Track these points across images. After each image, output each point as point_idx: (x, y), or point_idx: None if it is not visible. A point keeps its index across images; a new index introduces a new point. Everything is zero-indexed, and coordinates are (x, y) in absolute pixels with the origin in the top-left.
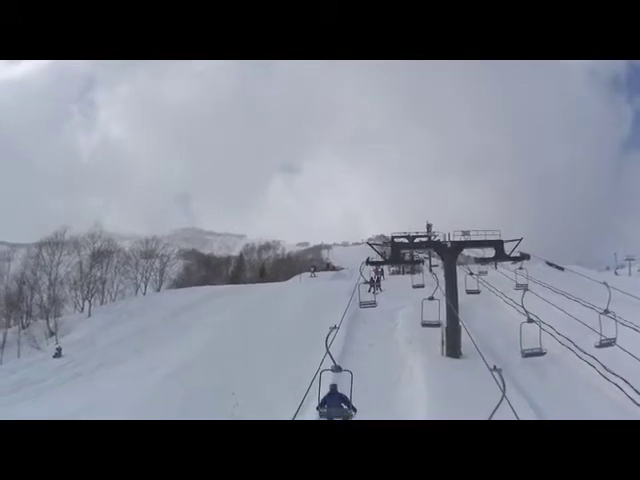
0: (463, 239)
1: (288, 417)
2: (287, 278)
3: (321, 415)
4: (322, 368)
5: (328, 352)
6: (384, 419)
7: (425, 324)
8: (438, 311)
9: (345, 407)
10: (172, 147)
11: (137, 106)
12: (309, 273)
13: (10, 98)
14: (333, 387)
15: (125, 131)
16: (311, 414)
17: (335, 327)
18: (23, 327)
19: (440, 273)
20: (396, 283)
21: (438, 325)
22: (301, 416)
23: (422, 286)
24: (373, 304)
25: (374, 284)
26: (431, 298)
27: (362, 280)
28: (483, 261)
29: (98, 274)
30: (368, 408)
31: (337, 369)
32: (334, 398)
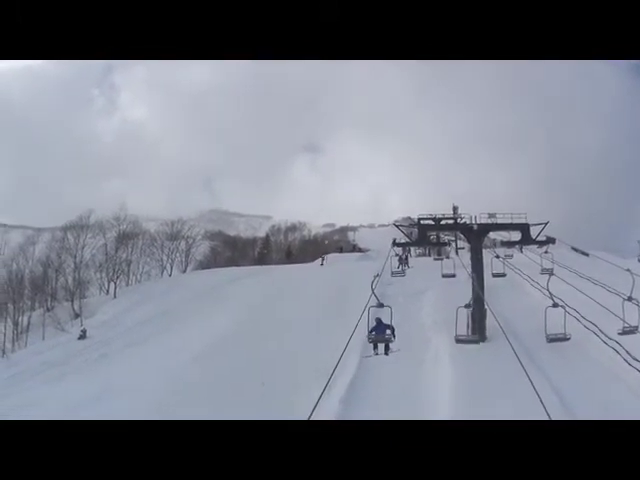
0: (489, 222)
1: (313, 394)
2: (313, 259)
3: (370, 340)
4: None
5: (373, 292)
6: (383, 419)
7: (460, 340)
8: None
9: (389, 334)
10: (194, 128)
11: (157, 88)
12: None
13: (31, 83)
14: (378, 319)
15: (146, 113)
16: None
17: (378, 275)
18: (48, 310)
19: (466, 256)
20: (421, 265)
21: (477, 342)
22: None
23: (453, 276)
24: (402, 274)
25: (402, 261)
26: (468, 306)
27: (392, 254)
28: (509, 244)
29: (123, 256)
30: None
31: (380, 305)
32: (380, 328)
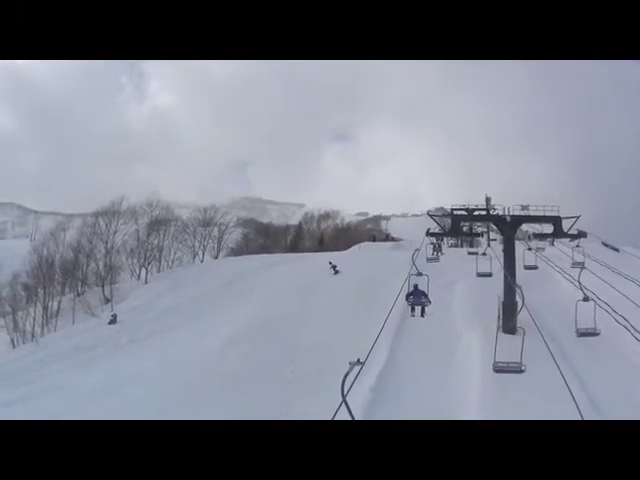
0: (522, 214)
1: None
2: (346, 248)
3: (408, 302)
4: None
5: (413, 263)
6: (384, 419)
7: (500, 369)
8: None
9: (424, 299)
10: (227, 116)
11: (187, 75)
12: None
13: (62, 73)
14: (416, 285)
15: (177, 101)
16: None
17: (417, 249)
18: (78, 294)
19: (499, 248)
20: (453, 256)
21: (519, 371)
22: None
23: (489, 275)
24: (437, 260)
25: (436, 248)
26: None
27: (427, 242)
28: (541, 237)
29: (155, 242)
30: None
31: (419, 274)
32: (417, 293)
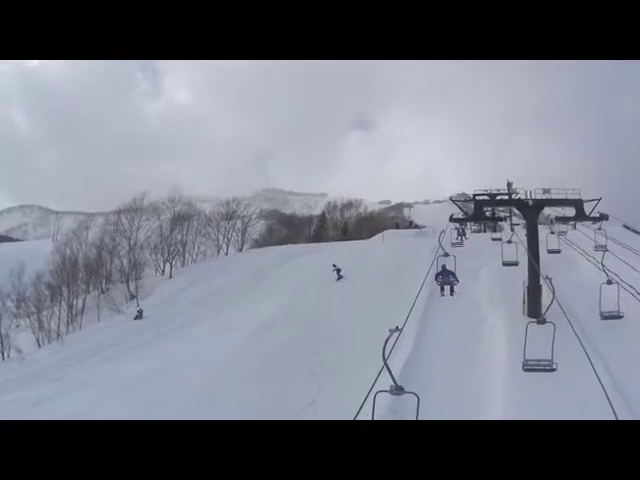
0: (544, 197)
1: (369, 372)
2: (370, 236)
3: (437, 282)
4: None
5: (440, 245)
6: (385, 419)
7: (530, 367)
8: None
9: (452, 278)
10: (246, 108)
11: (203, 68)
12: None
13: (77, 72)
14: (443, 266)
15: (194, 94)
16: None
17: (443, 231)
18: (102, 292)
19: (522, 233)
20: (477, 242)
21: (551, 369)
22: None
23: (515, 264)
24: (461, 244)
25: (460, 233)
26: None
27: (451, 227)
28: (563, 220)
29: (179, 237)
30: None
31: (446, 254)
32: (445, 273)
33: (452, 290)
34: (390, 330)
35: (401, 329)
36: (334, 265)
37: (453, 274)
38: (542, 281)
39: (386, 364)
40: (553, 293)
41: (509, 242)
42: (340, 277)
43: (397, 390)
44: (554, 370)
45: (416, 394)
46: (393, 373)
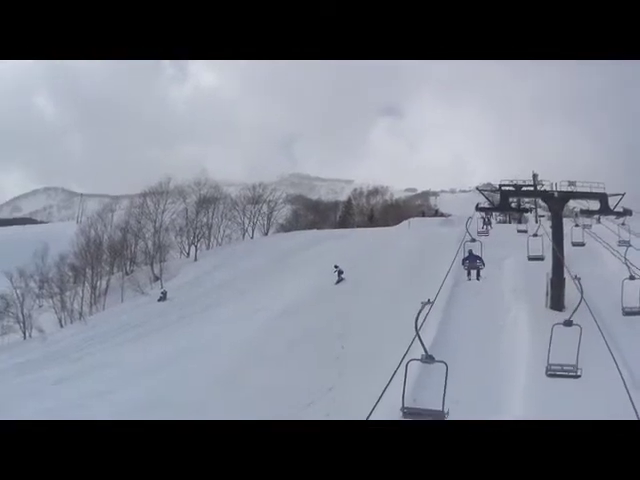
0: (569, 190)
1: (392, 359)
2: (396, 223)
3: (464, 267)
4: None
5: (467, 231)
6: (385, 419)
7: (554, 373)
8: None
9: (479, 262)
10: (273, 92)
11: None
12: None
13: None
14: (470, 251)
15: (219, 79)
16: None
17: (470, 217)
18: (127, 273)
19: (547, 225)
20: (502, 232)
21: (575, 376)
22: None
23: (541, 258)
24: (486, 233)
25: (486, 222)
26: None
27: (477, 216)
28: (588, 213)
29: (204, 220)
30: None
31: (472, 240)
32: (472, 257)
33: (478, 274)
34: (422, 303)
35: (432, 302)
36: (336, 266)
37: (480, 259)
38: (566, 274)
39: (418, 334)
40: (581, 293)
41: (535, 235)
42: (341, 280)
43: (427, 359)
44: (578, 377)
45: (445, 362)
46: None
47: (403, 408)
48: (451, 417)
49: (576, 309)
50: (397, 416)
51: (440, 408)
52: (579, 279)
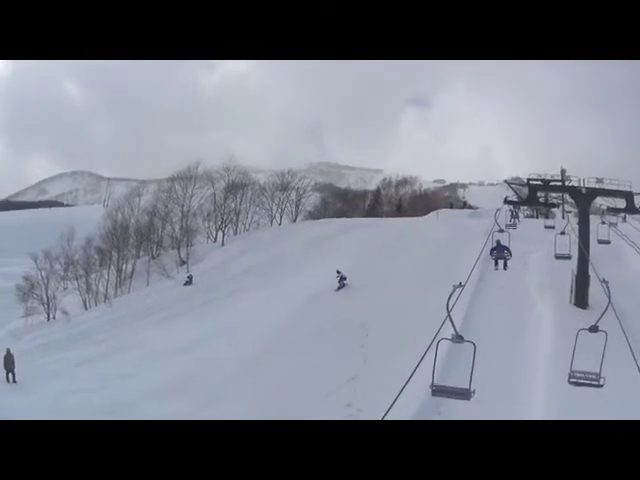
0: (597, 186)
1: (417, 350)
2: (424, 214)
3: (492, 256)
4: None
5: (496, 221)
6: (386, 419)
7: (577, 381)
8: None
9: (506, 252)
10: (302, 79)
11: None
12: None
13: None
14: (498, 241)
15: (248, 66)
16: None
17: (499, 209)
18: (153, 257)
19: (573, 220)
20: (529, 227)
21: (598, 385)
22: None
23: (568, 257)
24: (514, 227)
25: (514, 215)
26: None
27: (506, 209)
28: (614, 211)
29: (232, 205)
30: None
31: (500, 230)
32: (499, 247)
33: (505, 265)
34: (454, 286)
35: (463, 285)
36: (338, 272)
37: (507, 249)
38: (591, 271)
39: (449, 315)
40: (609, 298)
41: (562, 233)
42: (342, 286)
43: (457, 338)
44: (601, 386)
45: (473, 342)
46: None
47: (432, 385)
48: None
49: (603, 314)
50: (426, 393)
51: (467, 386)
52: (607, 283)
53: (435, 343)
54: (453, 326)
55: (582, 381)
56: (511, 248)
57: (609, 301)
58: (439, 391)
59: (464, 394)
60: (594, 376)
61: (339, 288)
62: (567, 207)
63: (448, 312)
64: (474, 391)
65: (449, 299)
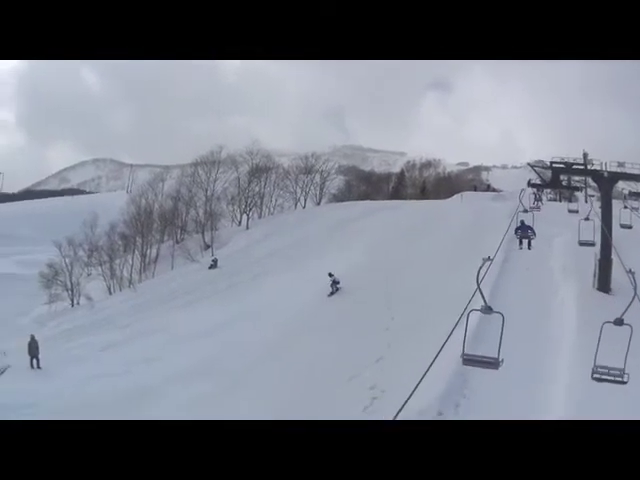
0: (619, 170)
1: (440, 331)
2: (447, 197)
3: (517, 236)
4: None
5: (520, 202)
6: (388, 419)
7: (600, 376)
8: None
9: (530, 232)
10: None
11: None
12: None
13: None
14: (522, 221)
15: None
16: None
17: (523, 189)
18: (177, 241)
19: (596, 205)
20: (552, 210)
21: (622, 381)
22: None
23: (592, 244)
24: (538, 209)
25: (538, 198)
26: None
27: (530, 191)
28: (637, 196)
29: (256, 189)
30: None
31: (525, 211)
32: (524, 227)
33: (529, 244)
34: (483, 259)
35: (492, 259)
36: (330, 274)
37: (531, 229)
38: (613, 255)
39: (479, 287)
40: (635, 289)
41: (587, 219)
42: (336, 290)
43: (487, 309)
44: (625, 383)
45: (501, 313)
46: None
47: (463, 355)
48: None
49: (629, 306)
50: (457, 363)
51: (496, 356)
52: (633, 273)
53: (465, 315)
54: (483, 297)
55: (605, 377)
56: (535, 230)
57: (635, 293)
58: (469, 360)
59: (493, 363)
60: (618, 372)
61: (332, 293)
62: (590, 191)
63: (478, 284)
64: (502, 360)
65: (479, 272)
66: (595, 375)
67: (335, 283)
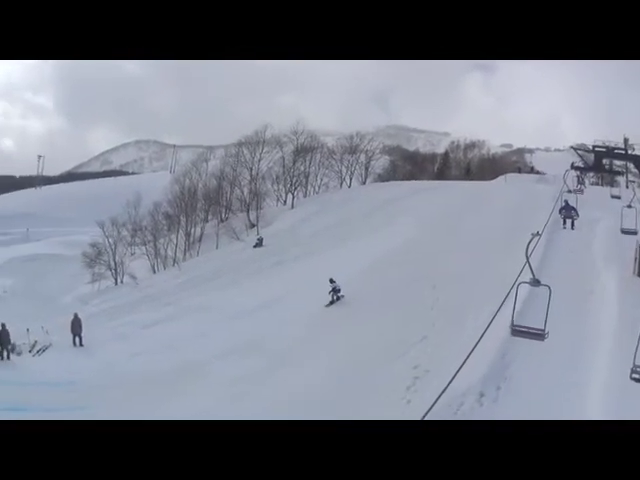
0: None
1: (482, 315)
2: (492, 178)
3: (561, 215)
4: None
5: (565, 182)
6: (388, 419)
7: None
8: None
9: (574, 212)
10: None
11: None
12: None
13: None
14: (566, 201)
15: None
16: None
17: (567, 170)
18: (222, 221)
19: (638, 191)
20: (595, 194)
21: None
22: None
23: (635, 232)
24: (581, 192)
25: (581, 181)
26: None
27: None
28: None
29: (301, 168)
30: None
31: (569, 191)
32: (568, 207)
33: (573, 224)
34: (532, 234)
35: (540, 234)
36: (331, 281)
37: (575, 209)
38: None
39: (528, 260)
40: None
41: (629, 207)
42: (337, 299)
43: (535, 282)
44: None
45: (549, 286)
46: (495, 332)
47: (512, 325)
48: None
49: None
50: (507, 333)
51: (542, 327)
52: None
53: (515, 287)
54: (531, 270)
55: None
56: (578, 212)
57: None
58: (517, 331)
59: (539, 335)
60: None
61: (331, 303)
62: (630, 177)
63: (527, 257)
64: (548, 333)
65: (527, 246)
66: (634, 375)
67: (336, 291)
